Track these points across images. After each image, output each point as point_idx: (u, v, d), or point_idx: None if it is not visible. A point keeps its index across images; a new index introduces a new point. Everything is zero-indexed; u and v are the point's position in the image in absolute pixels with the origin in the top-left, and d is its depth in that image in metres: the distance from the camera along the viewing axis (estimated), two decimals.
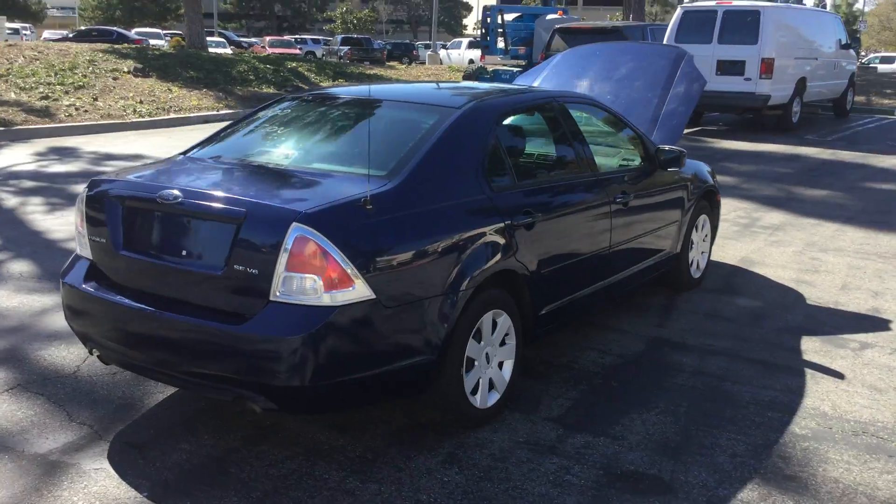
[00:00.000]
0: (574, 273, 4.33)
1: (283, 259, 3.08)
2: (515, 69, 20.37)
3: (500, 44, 20.07)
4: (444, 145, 3.69)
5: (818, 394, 4.20)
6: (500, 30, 19.69)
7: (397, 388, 3.40)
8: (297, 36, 55.42)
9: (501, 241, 3.72)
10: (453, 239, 3.49)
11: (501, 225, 3.73)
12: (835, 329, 5.17)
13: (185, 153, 4.18)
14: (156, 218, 3.44)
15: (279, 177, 3.69)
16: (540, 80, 6.62)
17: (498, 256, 3.69)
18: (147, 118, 15.28)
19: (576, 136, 4.53)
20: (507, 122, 4.11)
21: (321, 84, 21.54)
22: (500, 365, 3.87)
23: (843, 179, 10.80)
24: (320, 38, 56.55)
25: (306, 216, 3.09)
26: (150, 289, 3.44)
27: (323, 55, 41.09)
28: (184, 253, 3.33)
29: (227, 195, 3.31)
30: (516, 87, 4.84)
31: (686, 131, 14.81)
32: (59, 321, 4.99)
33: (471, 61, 40.95)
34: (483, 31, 20.47)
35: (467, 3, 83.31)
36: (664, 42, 15.11)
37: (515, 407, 3.96)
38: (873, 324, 5.28)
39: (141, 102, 16.17)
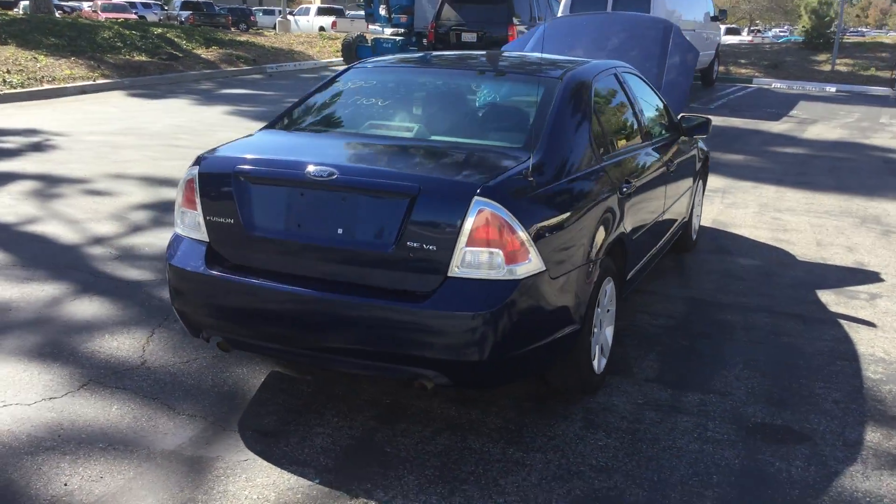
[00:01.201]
0: (646, 239, 4.47)
1: (464, 233, 3.02)
2: (398, 38, 20.23)
3: (383, 11, 19.84)
4: (564, 116, 3.71)
5: (865, 341, 4.56)
6: None
7: (551, 358, 3.42)
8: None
9: (617, 209, 3.80)
10: (590, 208, 3.53)
11: (615, 193, 3.80)
12: (838, 282, 5.60)
13: (273, 125, 3.97)
14: (300, 195, 3.25)
15: (421, 150, 3.59)
16: (529, 50, 6.68)
17: (616, 224, 3.77)
18: (20, 89, 14.08)
19: (636, 105, 4.65)
20: (595, 92, 4.16)
21: (195, 51, 20.56)
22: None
23: (749, 145, 11.54)
24: (151, 2, 53.12)
25: (487, 189, 3.04)
26: (295, 270, 3.26)
27: (160, 20, 38.51)
28: (339, 231, 3.17)
29: (395, 170, 3.19)
30: (574, 59, 4.86)
31: None
32: (81, 310, 4.62)
33: (321, 28, 40.02)
34: None
35: None
36: (559, 13, 15.50)
37: (612, 371, 4.06)
38: (867, 276, 5.75)
39: (9, 72, 14.85)
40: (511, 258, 3.05)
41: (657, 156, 4.68)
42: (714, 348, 4.42)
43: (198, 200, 3.43)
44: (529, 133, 3.58)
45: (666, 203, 4.82)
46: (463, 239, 3.02)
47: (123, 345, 4.20)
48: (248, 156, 3.43)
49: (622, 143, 4.34)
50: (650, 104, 5.03)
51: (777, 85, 20.35)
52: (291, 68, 20.15)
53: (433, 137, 3.74)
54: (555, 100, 3.76)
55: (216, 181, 3.39)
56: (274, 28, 39.60)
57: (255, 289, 3.26)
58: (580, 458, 3.26)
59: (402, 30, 20.34)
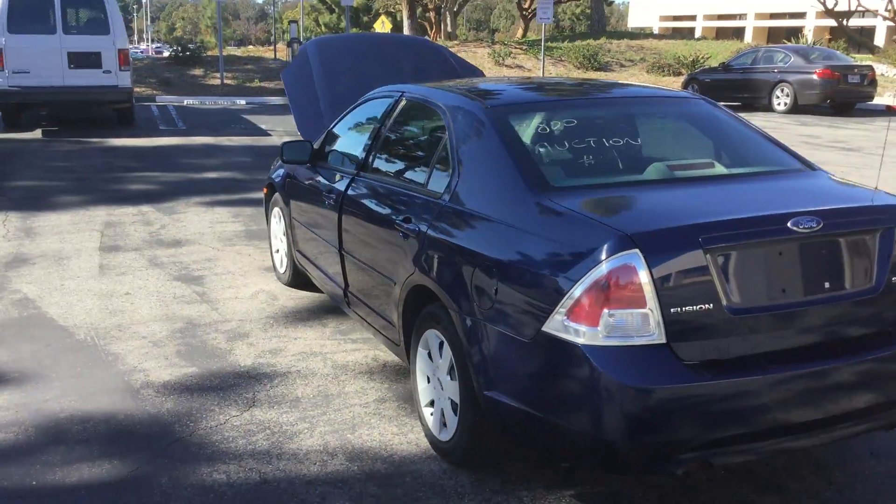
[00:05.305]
0: None
1: None
2: None
3: None
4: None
5: None
6: None
7: None
8: None
9: None
10: None
11: None
12: None
13: (535, 181, 3.34)
14: (777, 255, 2.95)
15: (778, 182, 3.58)
16: (318, 83, 6.18)
17: None
18: None
19: None
20: None
21: None
22: None
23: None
24: None
25: None
26: (782, 344, 2.96)
27: None
28: (826, 285, 3.01)
29: (864, 205, 3.18)
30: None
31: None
32: None
33: None
34: None
35: None
36: None
37: None
38: None
39: None
40: None
41: None
42: None
43: (649, 292, 2.77)
44: (786, 153, 3.88)
45: None
46: None
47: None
48: (708, 220, 2.94)
49: None
50: None
51: (190, 101, 20.55)
52: None
53: (741, 170, 3.72)
54: (732, 117, 4.10)
55: (676, 261, 2.81)
56: None
57: (767, 383, 2.85)
58: None
59: None
